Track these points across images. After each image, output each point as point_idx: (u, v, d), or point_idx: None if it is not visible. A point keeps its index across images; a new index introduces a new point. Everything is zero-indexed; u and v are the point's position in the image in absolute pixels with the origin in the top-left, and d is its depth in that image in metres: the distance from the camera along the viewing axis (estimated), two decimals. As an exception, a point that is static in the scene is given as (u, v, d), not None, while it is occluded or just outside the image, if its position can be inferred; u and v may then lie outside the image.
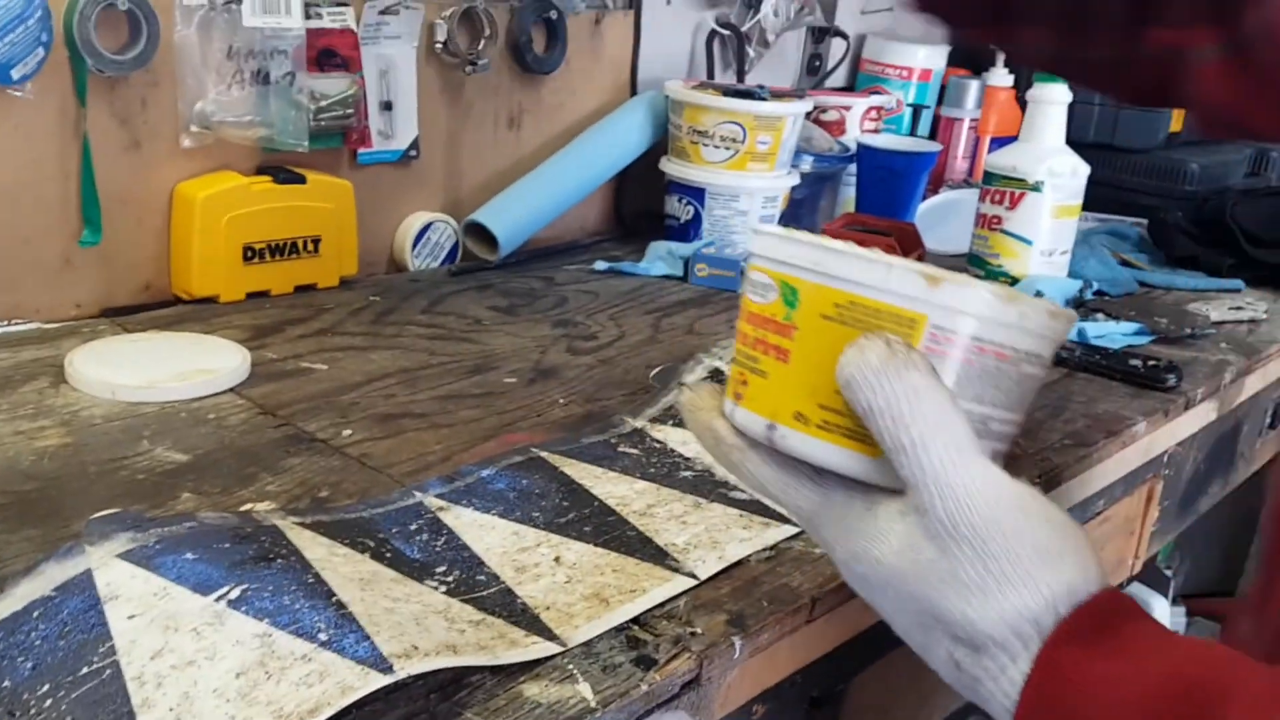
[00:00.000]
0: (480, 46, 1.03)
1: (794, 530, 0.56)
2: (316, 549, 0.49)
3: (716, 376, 0.73)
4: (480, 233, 1.04)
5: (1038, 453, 0.70)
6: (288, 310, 0.87)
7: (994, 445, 0.39)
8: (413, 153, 1.01)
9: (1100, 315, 1.00)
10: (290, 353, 0.78)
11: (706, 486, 0.61)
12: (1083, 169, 1.04)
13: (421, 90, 1.01)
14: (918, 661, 0.39)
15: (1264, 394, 1.01)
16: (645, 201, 1.23)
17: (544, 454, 0.63)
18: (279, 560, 0.47)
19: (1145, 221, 1.29)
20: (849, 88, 1.51)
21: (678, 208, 1.14)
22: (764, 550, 0.55)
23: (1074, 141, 1.08)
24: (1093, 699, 0.35)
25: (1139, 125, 1.45)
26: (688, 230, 1.13)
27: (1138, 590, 1.47)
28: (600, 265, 1.07)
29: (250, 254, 0.87)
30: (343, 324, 0.86)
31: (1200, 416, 0.86)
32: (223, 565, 0.46)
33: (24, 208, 0.79)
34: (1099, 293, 1.07)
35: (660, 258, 1.07)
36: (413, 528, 0.54)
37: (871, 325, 0.37)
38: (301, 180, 0.89)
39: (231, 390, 0.70)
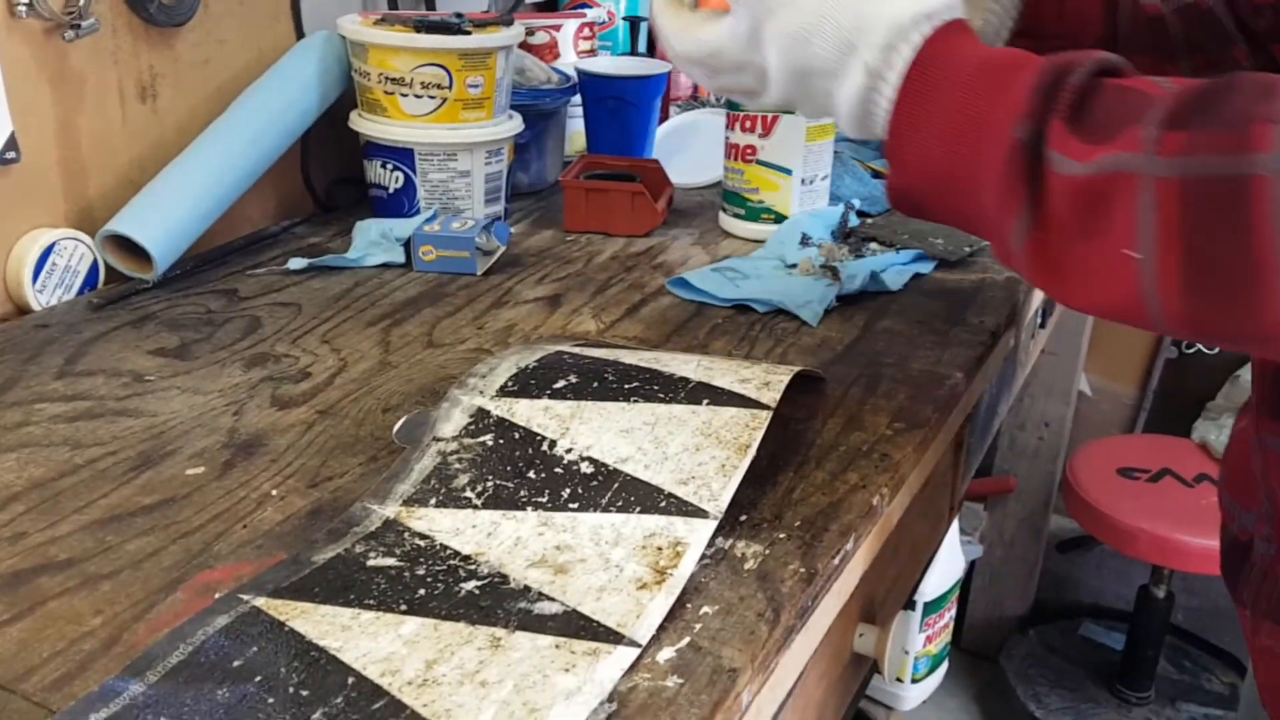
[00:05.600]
0: (81, 1, 0.77)
1: (631, 652, 0.42)
2: None
3: (482, 419, 0.56)
4: (126, 245, 0.80)
5: (871, 447, 0.59)
6: None
7: None
8: (10, 155, 0.75)
9: (874, 245, 0.91)
10: None
11: (502, 602, 0.44)
12: (833, 80, 0.93)
13: (7, 70, 0.74)
14: None
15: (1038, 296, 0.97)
16: (341, 168, 1.01)
17: (262, 601, 0.44)
18: None
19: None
20: (551, 4, 1.33)
21: (383, 174, 0.93)
22: (602, 706, 0.40)
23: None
24: (953, 64, 0.45)
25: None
26: (400, 201, 0.93)
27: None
28: (297, 263, 0.85)
29: None
30: (-62, 418, 0.61)
31: (1001, 346, 0.79)
32: None
33: None
34: (861, 214, 0.98)
35: (373, 242, 0.87)
36: (68, 800, 0.35)
37: None
38: None
39: None
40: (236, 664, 0.41)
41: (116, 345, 0.71)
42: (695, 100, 1.32)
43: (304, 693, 0.39)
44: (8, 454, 0.57)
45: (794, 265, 0.86)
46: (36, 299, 0.77)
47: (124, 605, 0.45)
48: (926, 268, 0.86)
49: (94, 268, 0.80)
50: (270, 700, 0.39)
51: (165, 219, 0.80)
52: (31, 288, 0.77)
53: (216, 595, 0.45)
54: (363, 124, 0.92)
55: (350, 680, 0.40)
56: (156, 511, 0.52)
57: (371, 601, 0.44)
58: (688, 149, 1.16)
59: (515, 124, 0.95)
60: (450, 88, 0.89)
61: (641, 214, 0.96)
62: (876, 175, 1.11)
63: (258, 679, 0.40)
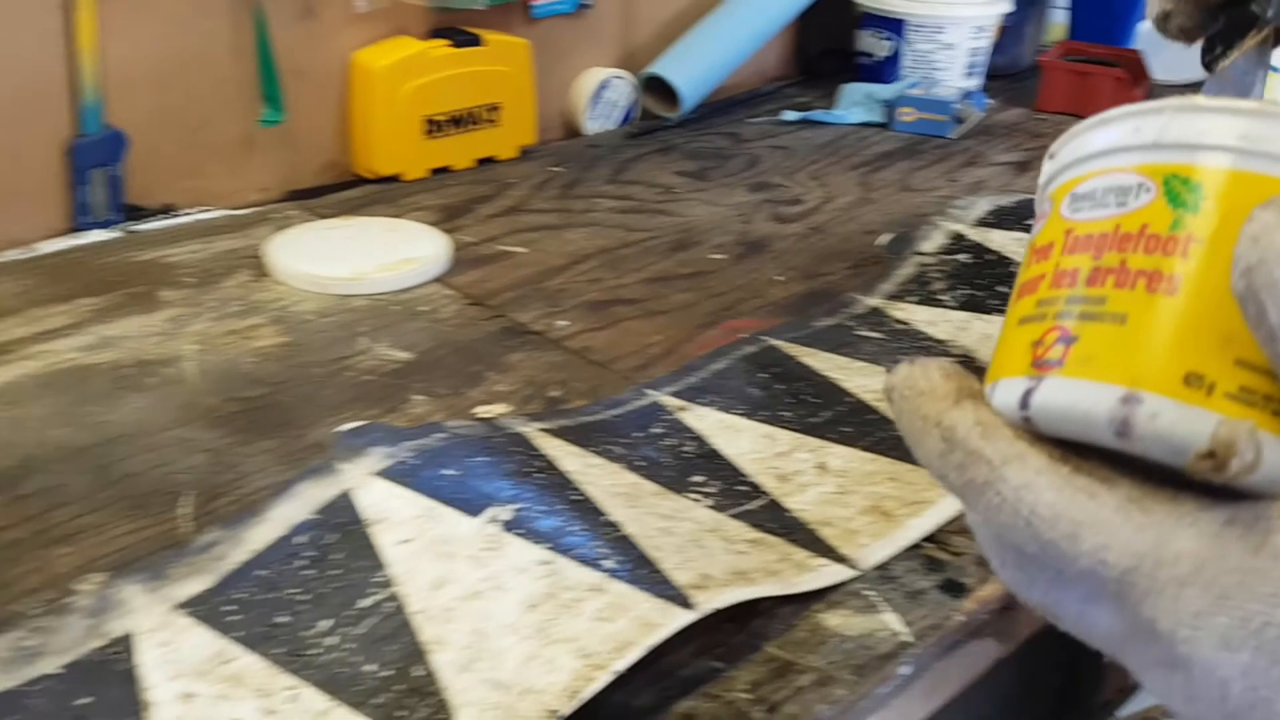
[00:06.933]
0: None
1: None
2: (570, 460, 0.46)
3: (960, 241, 0.65)
4: (657, 88, 0.97)
5: None
6: (472, 187, 0.83)
7: None
8: (588, 0, 0.94)
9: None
10: (484, 235, 0.74)
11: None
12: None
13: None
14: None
15: None
16: (830, 39, 1.12)
17: (777, 342, 0.58)
18: (539, 475, 0.44)
19: None
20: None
21: (873, 43, 1.03)
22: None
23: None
24: None
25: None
26: (883, 69, 1.03)
27: None
28: (789, 115, 0.98)
29: (432, 127, 0.83)
30: (530, 200, 0.81)
31: None
32: (484, 482, 0.43)
33: (200, 87, 0.76)
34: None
35: (857, 103, 0.98)
36: (656, 430, 0.50)
37: None
38: (478, 41, 0.83)
39: (437, 280, 0.67)
40: (761, 376, 0.54)
41: (649, 166, 0.88)
42: (1187, -3, 1.27)
43: (814, 400, 0.52)
44: (579, 228, 0.76)
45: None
46: (588, 125, 0.96)
47: (675, 332, 0.61)
48: None
49: (630, 105, 0.98)
50: (789, 400, 0.52)
51: (694, 68, 0.96)
52: (587, 115, 0.96)
53: (742, 334, 0.59)
54: (860, -3, 1.02)
55: (849, 400, 0.52)
56: (691, 279, 0.68)
57: (863, 357, 0.56)
58: (1170, 43, 1.14)
59: (1005, 4, 1.00)
60: (949, -35, 0.96)
61: (1119, 99, 0.97)
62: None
63: (778, 387, 0.53)
